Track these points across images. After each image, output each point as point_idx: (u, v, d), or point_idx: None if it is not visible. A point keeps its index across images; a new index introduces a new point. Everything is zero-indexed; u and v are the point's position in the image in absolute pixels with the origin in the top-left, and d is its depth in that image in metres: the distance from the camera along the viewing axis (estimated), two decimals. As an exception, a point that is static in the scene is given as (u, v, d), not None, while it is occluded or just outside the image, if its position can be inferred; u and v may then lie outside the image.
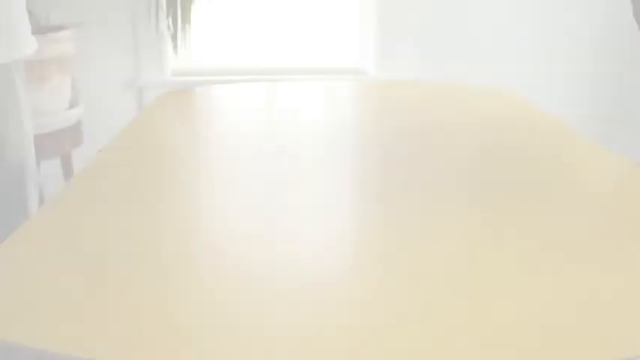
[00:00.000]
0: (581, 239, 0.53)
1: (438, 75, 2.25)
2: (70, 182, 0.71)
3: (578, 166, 0.71)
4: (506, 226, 0.56)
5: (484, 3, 2.33)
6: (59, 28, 1.98)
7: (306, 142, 0.82)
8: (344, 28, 2.47)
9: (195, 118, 0.94)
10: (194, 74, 2.53)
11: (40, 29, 1.93)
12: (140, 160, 0.73)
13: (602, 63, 2.43)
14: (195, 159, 0.74)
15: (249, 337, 0.39)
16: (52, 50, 1.90)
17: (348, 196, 0.63)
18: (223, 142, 0.82)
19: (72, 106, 2.11)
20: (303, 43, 2.50)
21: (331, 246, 0.52)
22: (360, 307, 0.43)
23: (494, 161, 0.73)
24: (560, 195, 0.63)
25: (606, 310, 0.42)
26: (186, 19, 2.32)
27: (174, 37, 2.36)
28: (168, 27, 2.34)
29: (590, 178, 0.67)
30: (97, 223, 0.57)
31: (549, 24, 2.37)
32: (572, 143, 0.79)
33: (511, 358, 0.37)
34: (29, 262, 0.50)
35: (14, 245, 0.52)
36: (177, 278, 0.47)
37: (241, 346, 0.38)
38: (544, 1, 2.34)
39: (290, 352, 0.37)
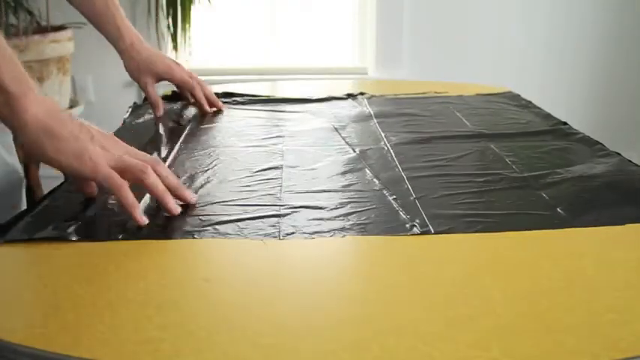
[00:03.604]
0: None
1: (438, 75, 2.25)
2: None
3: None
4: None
5: (485, 3, 2.33)
6: (59, 28, 1.98)
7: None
8: (344, 28, 2.47)
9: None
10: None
11: (40, 29, 1.94)
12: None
13: (605, 63, 2.43)
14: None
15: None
16: (52, 50, 1.90)
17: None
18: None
19: (72, 106, 2.11)
20: (302, 43, 2.50)
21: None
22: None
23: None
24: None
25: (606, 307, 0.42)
26: (186, 19, 2.33)
27: (174, 37, 2.36)
28: (168, 27, 2.34)
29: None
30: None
31: (552, 23, 2.37)
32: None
33: (515, 354, 0.37)
34: (29, 260, 0.50)
35: (12, 244, 0.52)
36: (178, 277, 0.47)
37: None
38: (547, 1, 2.34)
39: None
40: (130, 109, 1.01)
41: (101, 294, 0.44)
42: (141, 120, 0.94)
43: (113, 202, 0.60)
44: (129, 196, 0.56)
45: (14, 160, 0.84)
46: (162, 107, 0.96)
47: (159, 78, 0.96)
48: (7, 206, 0.77)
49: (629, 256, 0.50)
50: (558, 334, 0.39)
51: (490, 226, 0.55)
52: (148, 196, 0.60)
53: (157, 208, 0.59)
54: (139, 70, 0.94)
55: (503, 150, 0.77)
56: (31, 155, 0.58)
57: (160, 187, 0.58)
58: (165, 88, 1.06)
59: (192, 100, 1.00)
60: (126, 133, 0.87)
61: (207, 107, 0.97)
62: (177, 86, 0.99)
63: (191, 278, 0.47)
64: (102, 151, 0.57)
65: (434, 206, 0.60)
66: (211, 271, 0.49)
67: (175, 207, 0.58)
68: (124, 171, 0.57)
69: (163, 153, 0.76)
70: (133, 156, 0.59)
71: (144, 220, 0.55)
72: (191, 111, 0.98)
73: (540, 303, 0.43)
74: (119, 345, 0.38)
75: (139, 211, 0.56)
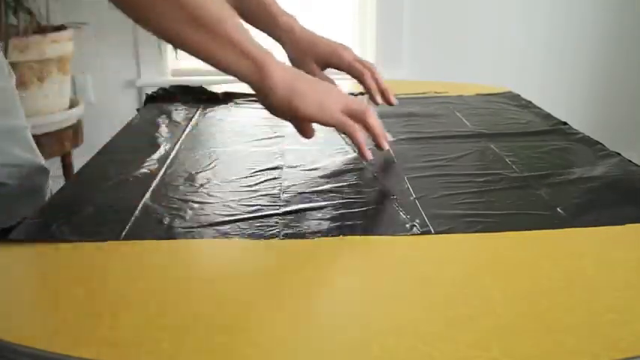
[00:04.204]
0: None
1: (438, 75, 2.25)
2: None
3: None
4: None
5: (485, 3, 2.33)
6: (59, 28, 1.98)
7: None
8: (344, 28, 2.47)
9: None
10: (194, 74, 2.53)
11: (40, 29, 1.93)
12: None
13: (605, 63, 2.43)
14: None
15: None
16: (52, 50, 1.90)
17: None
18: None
19: (72, 106, 2.11)
20: (303, 43, 2.49)
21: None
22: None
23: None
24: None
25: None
26: (186, 19, 2.32)
27: (174, 37, 2.35)
28: (169, 27, 2.33)
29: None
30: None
31: (552, 23, 2.37)
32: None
33: (516, 355, 0.37)
34: (29, 260, 0.50)
35: (13, 244, 0.52)
36: (178, 277, 0.47)
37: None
38: (547, 2, 2.34)
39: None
40: (137, 111, 1.01)
41: (101, 294, 0.44)
42: (143, 120, 0.94)
43: (111, 204, 0.60)
44: (361, 136, 0.67)
45: (37, 155, 0.86)
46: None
47: (325, 64, 0.88)
48: (33, 202, 0.78)
49: (629, 256, 0.50)
50: (558, 334, 0.39)
51: (490, 226, 0.55)
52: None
53: (160, 209, 0.59)
54: (304, 56, 0.87)
55: (503, 150, 0.77)
56: (277, 111, 0.67)
57: (379, 128, 0.70)
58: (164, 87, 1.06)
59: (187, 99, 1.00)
60: (126, 132, 0.87)
61: (378, 98, 0.87)
62: (347, 72, 0.89)
63: (191, 278, 0.47)
64: (334, 99, 0.67)
65: (434, 206, 0.60)
66: (211, 271, 0.49)
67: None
68: (350, 115, 0.67)
69: (163, 153, 0.76)
70: (351, 102, 0.69)
71: (370, 155, 0.68)
72: (191, 111, 0.98)
73: (540, 303, 0.43)
74: (119, 345, 0.38)
75: (367, 148, 0.68)
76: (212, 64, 0.63)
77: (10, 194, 0.79)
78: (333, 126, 0.67)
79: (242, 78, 0.65)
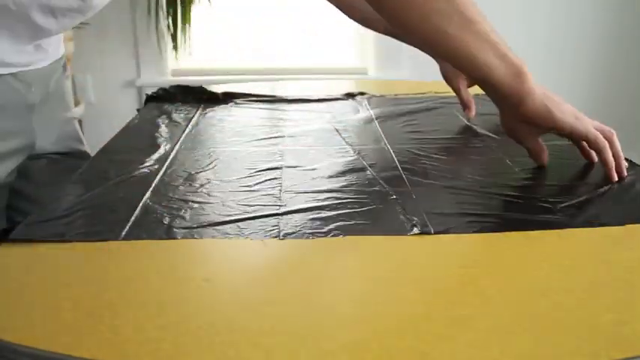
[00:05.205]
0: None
1: (438, 75, 2.25)
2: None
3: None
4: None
5: (485, 3, 2.33)
6: (59, 28, 1.97)
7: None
8: (344, 28, 2.47)
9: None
10: (194, 74, 2.53)
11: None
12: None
13: (605, 63, 2.43)
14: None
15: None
16: (52, 50, 1.89)
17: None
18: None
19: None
20: (302, 43, 2.50)
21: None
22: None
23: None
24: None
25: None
26: (186, 19, 2.33)
27: (174, 37, 2.36)
28: (168, 27, 2.34)
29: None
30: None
31: (552, 23, 2.37)
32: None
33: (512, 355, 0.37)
34: (29, 260, 0.50)
35: (12, 244, 0.52)
36: (178, 277, 0.47)
37: (241, 346, 0.38)
38: (547, 1, 2.34)
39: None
40: (137, 111, 1.01)
41: (101, 294, 0.44)
42: (143, 120, 0.94)
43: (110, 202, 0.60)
44: (610, 156, 0.66)
45: (83, 142, 0.92)
46: (474, 108, 0.93)
47: (472, 82, 0.94)
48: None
49: (629, 256, 0.50)
50: (558, 334, 0.39)
51: (490, 226, 0.55)
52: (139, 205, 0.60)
53: (158, 208, 0.59)
54: (455, 72, 0.94)
55: (503, 150, 0.77)
56: (533, 117, 0.66)
57: (622, 155, 0.67)
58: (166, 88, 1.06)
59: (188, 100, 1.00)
60: (126, 132, 0.87)
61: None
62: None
63: (191, 278, 0.47)
64: (583, 114, 0.68)
65: (434, 206, 0.60)
66: (211, 271, 0.49)
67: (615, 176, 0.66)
68: (599, 132, 0.67)
69: (163, 153, 0.76)
70: (595, 122, 0.69)
71: (616, 177, 0.66)
72: (191, 111, 0.98)
73: (540, 303, 0.43)
74: (119, 345, 0.38)
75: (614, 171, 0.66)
76: (466, 65, 0.65)
77: (58, 179, 0.84)
78: (584, 138, 0.67)
79: (496, 80, 0.64)
